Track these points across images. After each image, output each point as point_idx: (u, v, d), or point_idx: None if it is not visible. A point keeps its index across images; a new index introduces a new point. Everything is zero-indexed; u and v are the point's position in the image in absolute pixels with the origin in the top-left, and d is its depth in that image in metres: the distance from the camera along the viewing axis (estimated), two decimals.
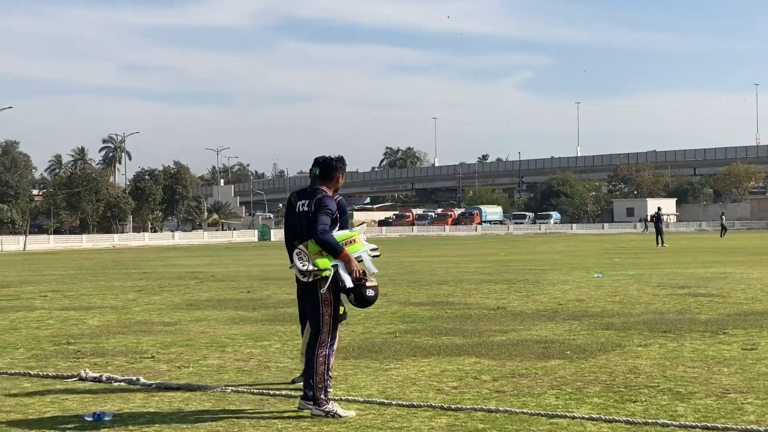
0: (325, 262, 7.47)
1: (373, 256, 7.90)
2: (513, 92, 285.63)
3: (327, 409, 7.44)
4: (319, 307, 7.56)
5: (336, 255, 7.47)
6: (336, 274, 7.47)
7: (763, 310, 14.54)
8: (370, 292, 7.59)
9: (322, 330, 7.57)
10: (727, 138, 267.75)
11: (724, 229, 70.23)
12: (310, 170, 7.95)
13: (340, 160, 7.95)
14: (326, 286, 7.48)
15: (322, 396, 7.51)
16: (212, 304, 17.11)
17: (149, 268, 33.19)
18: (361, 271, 7.56)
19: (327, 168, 7.86)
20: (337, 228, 7.74)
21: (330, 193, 7.78)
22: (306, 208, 7.68)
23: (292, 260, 7.65)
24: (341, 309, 7.74)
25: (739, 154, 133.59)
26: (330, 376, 7.77)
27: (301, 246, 7.55)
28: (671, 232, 79.78)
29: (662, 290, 18.49)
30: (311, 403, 7.55)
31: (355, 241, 7.73)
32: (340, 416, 7.37)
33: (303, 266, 7.48)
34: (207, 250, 58.55)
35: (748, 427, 6.79)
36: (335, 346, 7.87)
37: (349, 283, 7.47)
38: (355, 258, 7.61)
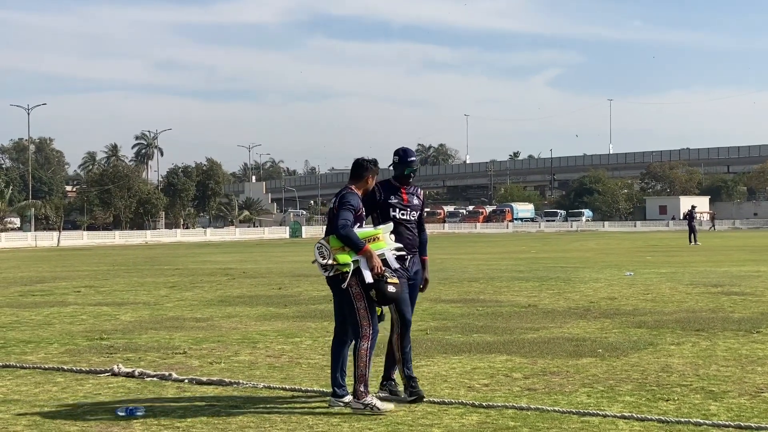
0: (345, 258, 7.43)
1: (397, 256, 7.82)
2: (544, 89, 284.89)
3: (366, 402, 7.42)
4: (353, 302, 7.55)
5: (357, 250, 7.43)
6: (357, 270, 7.46)
7: None
8: (391, 288, 7.51)
9: (361, 323, 7.54)
10: (761, 136, 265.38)
11: None
12: None
13: (372, 162, 7.94)
14: (347, 281, 7.45)
15: (362, 389, 7.48)
16: (244, 301, 17.18)
17: (181, 264, 33.35)
18: (382, 268, 7.50)
19: (356, 167, 7.89)
20: (358, 225, 7.66)
21: (357, 191, 7.77)
22: (332, 206, 7.70)
23: None
24: (378, 310, 7.70)
25: None
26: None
27: (322, 240, 7.54)
28: (704, 230, 79.10)
29: (695, 288, 18.35)
30: (340, 399, 7.57)
31: (378, 238, 7.67)
32: (379, 409, 7.36)
33: (323, 260, 7.48)
34: (238, 246, 58.78)
35: None
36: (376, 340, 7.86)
37: (369, 279, 7.42)
38: (378, 255, 7.56)
